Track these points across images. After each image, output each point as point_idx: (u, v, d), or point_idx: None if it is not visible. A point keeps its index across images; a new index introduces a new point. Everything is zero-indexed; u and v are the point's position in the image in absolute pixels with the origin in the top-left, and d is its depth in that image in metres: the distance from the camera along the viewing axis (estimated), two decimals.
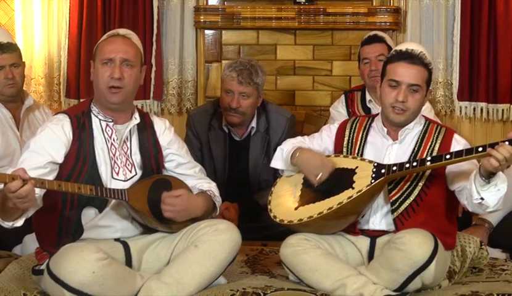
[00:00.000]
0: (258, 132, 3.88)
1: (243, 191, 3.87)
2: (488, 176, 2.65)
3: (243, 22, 4.59)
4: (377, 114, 3.09)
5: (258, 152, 3.87)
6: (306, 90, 4.67)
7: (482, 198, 2.69)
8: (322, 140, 3.14)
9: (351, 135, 3.07)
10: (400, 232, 2.77)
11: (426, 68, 2.93)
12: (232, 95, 3.72)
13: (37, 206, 2.67)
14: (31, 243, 3.28)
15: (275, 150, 3.45)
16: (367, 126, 3.07)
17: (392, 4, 4.58)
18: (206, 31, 4.67)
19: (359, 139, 3.05)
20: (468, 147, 2.78)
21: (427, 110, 4.01)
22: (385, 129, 3.00)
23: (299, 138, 3.18)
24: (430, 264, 2.68)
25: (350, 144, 3.05)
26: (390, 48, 4.01)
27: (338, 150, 3.08)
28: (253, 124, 3.87)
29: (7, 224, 2.61)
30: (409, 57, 2.91)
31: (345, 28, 4.58)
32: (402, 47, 3.00)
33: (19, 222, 2.61)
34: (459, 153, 2.72)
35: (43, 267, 2.73)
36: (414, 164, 2.78)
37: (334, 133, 3.13)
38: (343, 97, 4.11)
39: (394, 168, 2.82)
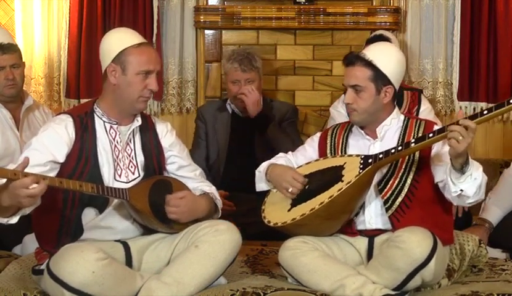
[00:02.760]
0: (264, 110, 4.12)
1: (248, 164, 3.93)
2: (461, 167, 2.68)
3: (243, 22, 4.58)
4: None
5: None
6: (306, 90, 4.67)
7: (461, 190, 2.72)
8: (306, 151, 3.18)
9: (332, 141, 3.11)
10: (399, 231, 2.78)
11: (368, 66, 2.94)
12: (239, 83, 4.04)
13: (36, 205, 2.66)
14: (31, 243, 3.28)
15: (279, 124, 3.98)
16: (347, 130, 3.11)
17: (392, 4, 4.58)
18: (206, 31, 4.67)
19: (341, 142, 3.09)
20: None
21: (427, 111, 4.01)
22: (362, 130, 3.03)
23: (279, 154, 3.24)
24: (430, 262, 2.69)
25: (332, 149, 3.09)
26: None
27: (322, 157, 3.11)
28: (260, 102, 4.10)
29: (2, 221, 2.60)
30: (347, 60, 2.99)
31: (345, 28, 4.58)
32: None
33: (14, 220, 2.60)
34: (441, 130, 2.74)
35: (43, 267, 2.73)
36: (400, 148, 2.82)
37: (316, 143, 3.16)
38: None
39: (380, 156, 2.85)
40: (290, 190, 2.99)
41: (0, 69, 3.75)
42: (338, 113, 4.03)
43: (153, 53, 2.91)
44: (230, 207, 3.80)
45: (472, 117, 2.69)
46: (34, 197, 2.47)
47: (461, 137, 2.61)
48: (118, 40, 2.89)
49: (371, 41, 3.96)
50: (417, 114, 3.94)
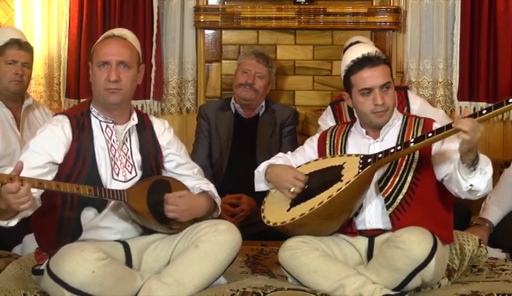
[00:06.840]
0: (266, 113, 4.21)
1: (248, 165, 3.94)
2: (472, 162, 2.68)
3: (243, 22, 4.59)
4: (355, 120, 3.13)
5: (266, 128, 4.16)
6: (306, 90, 4.67)
7: (471, 185, 2.72)
8: (306, 152, 3.18)
9: (332, 141, 3.12)
10: (399, 231, 2.78)
11: (386, 63, 3.00)
12: (249, 73, 4.16)
13: (36, 207, 2.67)
14: (31, 243, 3.28)
15: (280, 128, 4.06)
16: (346, 130, 3.13)
17: (392, 4, 4.58)
18: (206, 31, 4.67)
19: (340, 141, 3.09)
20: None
21: (423, 106, 3.97)
22: (364, 130, 3.04)
23: (279, 154, 3.24)
24: (430, 262, 2.69)
25: (332, 149, 3.09)
26: None
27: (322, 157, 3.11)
28: (262, 104, 4.21)
29: (1, 223, 2.59)
30: (369, 61, 2.96)
31: (345, 28, 4.58)
32: (356, 54, 3.02)
33: (13, 222, 2.59)
34: (440, 130, 2.75)
35: (43, 267, 2.73)
36: (399, 148, 2.82)
37: (315, 143, 3.17)
38: (329, 109, 4.03)
39: (380, 156, 2.85)
40: (292, 190, 2.98)
41: (12, 63, 3.82)
42: (327, 127, 3.97)
43: (113, 45, 2.87)
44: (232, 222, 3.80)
45: (471, 117, 2.69)
46: (21, 199, 2.44)
47: (473, 132, 2.61)
48: (100, 39, 2.95)
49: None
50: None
